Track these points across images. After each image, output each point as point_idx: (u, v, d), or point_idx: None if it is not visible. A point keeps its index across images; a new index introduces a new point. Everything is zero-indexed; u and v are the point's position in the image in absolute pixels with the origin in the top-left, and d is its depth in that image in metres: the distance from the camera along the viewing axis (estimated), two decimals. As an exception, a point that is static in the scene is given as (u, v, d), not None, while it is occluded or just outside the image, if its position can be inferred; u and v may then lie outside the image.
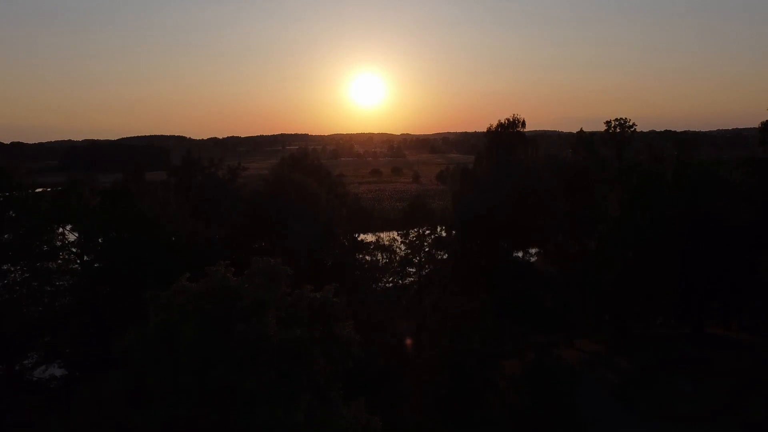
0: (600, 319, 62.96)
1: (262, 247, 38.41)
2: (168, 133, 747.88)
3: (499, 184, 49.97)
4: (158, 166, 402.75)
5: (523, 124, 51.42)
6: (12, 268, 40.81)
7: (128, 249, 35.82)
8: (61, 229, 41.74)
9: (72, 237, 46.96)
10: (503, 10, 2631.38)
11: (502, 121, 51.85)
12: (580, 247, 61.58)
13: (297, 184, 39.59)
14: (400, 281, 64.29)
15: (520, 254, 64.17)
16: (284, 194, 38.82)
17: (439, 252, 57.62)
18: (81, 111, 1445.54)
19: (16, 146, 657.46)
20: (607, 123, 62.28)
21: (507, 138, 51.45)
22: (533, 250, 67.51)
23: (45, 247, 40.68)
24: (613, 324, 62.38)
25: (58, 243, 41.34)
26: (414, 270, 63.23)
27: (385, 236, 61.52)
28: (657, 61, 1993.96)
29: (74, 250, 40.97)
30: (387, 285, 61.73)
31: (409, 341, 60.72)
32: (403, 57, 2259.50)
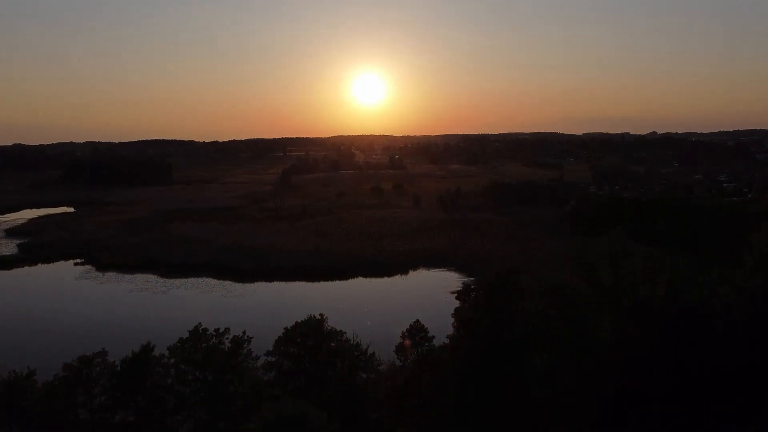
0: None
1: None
2: (170, 137, 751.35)
3: (498, 334, 51.83)
4: (161, 180, 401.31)
5: (516, 281, 53.09)
6: None
7: None
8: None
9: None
10: (504, 11, 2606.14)
11: (499, 274, 53.78)
12: (576, 368, 63.14)
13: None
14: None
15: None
16: None
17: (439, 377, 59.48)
18: (82, 112, 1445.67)
19: (17, 149, 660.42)
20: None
21: (504, 290, 53.22)
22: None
23: None
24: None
25: None
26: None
27: (385, 360, 63.51)
28: (658, 62, 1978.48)
29: None
30: None
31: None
32: (403, 57, 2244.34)
